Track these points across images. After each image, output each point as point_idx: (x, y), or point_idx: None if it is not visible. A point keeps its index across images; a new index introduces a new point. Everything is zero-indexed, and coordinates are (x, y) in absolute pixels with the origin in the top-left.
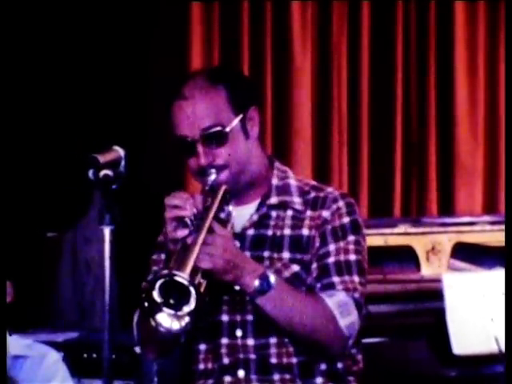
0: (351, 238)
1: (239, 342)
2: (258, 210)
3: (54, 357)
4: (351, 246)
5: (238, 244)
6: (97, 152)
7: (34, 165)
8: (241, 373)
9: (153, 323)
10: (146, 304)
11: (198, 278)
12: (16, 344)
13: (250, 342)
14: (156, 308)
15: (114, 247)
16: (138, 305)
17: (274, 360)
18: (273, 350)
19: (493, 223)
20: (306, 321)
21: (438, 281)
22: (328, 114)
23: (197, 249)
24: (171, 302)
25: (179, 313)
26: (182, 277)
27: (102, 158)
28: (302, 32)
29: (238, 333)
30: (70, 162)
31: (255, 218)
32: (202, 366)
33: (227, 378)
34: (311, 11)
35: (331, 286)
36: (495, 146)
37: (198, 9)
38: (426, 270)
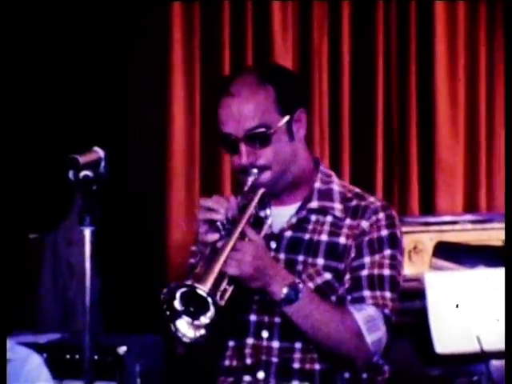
0: (387, 251)
1: (264, 343)
2: (297, 212)
3: (36, 360)
4: (386, 261)
5: (273, 245)
6: (77, 153)
7: (15, 166)
8: (260, 374)
9: (172, 328)
10: (167, 311)
11: (224, 284)
12: None
13: (275, 344)
14: (176, 315)
15: (95, 248)
16: (158, 307)
17: (296, 365)
18: (297, 355)
19: (474, 222)
20: (331, 333)
21: (420, 280)
22: (309, 114)
23: (224, 255)
24: (191, 309)
25: (196, 322)
26: (203, 290)
27: (82, 159)
28: (283, 32)
29: (264, 334)
30: (52, 162)
31: (294, 220)
32: (227, 363)
33: (246, 378)
34: (292, 11)
35: (361, 300)
36: (475, 146)
37: (179, 9)
38: (408, 270)
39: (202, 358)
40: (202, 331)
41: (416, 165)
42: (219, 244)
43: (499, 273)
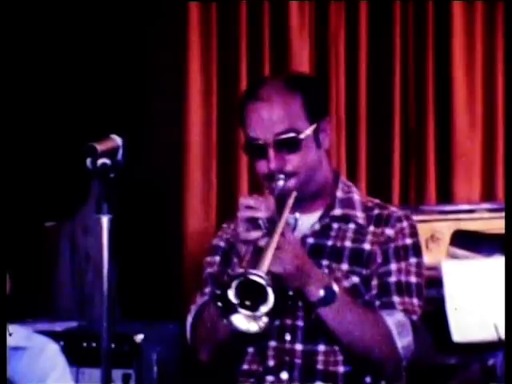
0: (413, 259)
1: (287, 346)
2: (320, 219)
3: (53, 349)
4: (413, 268)
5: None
6: (94, 141)
7: (32, 154)
8: (284, 375)
9: (228, 324)
10: (221, 305)
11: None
12: (15, 334)
13: (299, 347)
14: (232, 309)
15: (113, 236)
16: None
17: (320, 366)
18: (320, 358)
19: (491, 210)
20: (364, 336)
21: (438, 268)
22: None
23: (271, 251)
24: (247, 303)
25: (256, 313)
26: (260, 276)
27: (100, 147)
28: (300, 31)
29: (287, 337)
30: (69, 150)
31: (317, 227)
32: (246, 367)
33: (269, 378)
34: (309, 11)
35: (391, 305)
36: (493, 133)
37: (196, 9)
38: (426, 258)
39: (222, 364)
40: (265, 319)
41: (433, 153)
42: (261, 242)
43: None
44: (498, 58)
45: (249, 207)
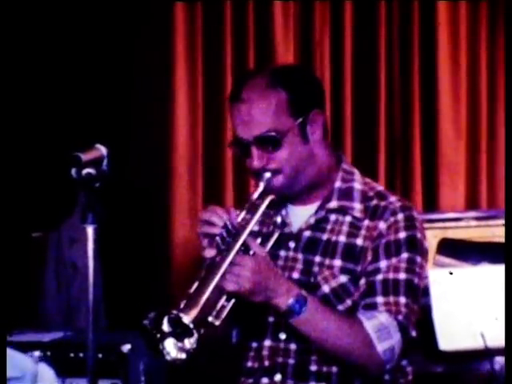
0: (405, 255)
1: (282, 345)
2: (316, 212)
3: (47, 376)
4: (403, 264)
5: (292, 245)
6: (79, 150)
7: (18, 164)
8: (278, 377)
9: (160, 347)
10: (156, 333)
11: (222, 301)
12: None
13: (293, 346)
14: (164, 336)
15: (98, 246)
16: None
17: (313, 367)
18: (314, 357)
19: (478, 219)
20: (339, 344)
21: (424, 277)
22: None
23: (220, 272)
24: (178, 330)
25: (180, 344)
26: (188, 320)
27: (84, 157)
28: (284, 32)
29: (282, 336)
30: (55, 160)
31: (312, 220)
32: (249, 364)
33: (264, 380)
34: (293, 12)
35: (374, 307)
36: (476, 142)
37: (182, 9)
38: None
39: (223, 358)
40: (183, 355)
41: (419, 162)
42: (218, 259)
43: (503, 269)
44: (482, 57)
45: (206, 222)
